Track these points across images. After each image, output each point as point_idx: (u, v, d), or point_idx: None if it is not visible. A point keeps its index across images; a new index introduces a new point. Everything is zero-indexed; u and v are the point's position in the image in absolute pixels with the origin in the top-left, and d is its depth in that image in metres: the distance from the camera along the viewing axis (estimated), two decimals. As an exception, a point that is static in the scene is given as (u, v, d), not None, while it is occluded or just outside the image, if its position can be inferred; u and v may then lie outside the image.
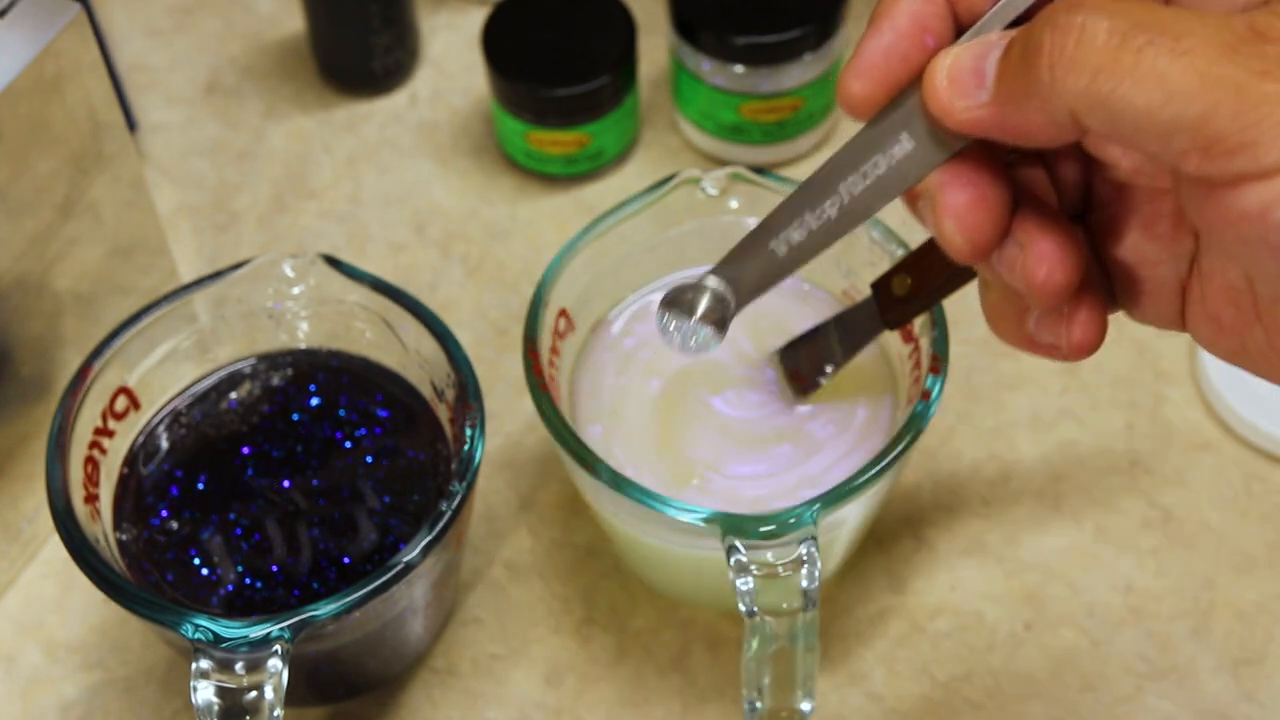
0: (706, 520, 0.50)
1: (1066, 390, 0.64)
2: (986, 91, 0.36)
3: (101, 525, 0.53)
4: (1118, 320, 0.67)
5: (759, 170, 0.57)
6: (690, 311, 0.42)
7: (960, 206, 0.37)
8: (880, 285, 0.53)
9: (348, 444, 0.56)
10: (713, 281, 0.42)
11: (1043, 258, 0.37)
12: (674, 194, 0.57)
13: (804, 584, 0.48)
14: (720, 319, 0.42)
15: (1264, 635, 0.58)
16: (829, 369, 0.56)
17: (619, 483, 0.51)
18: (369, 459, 0.55)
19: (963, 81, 0.36)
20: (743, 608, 0.49)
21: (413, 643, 0.57)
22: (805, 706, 0.50)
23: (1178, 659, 0.58)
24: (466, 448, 0.52)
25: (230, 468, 0.55)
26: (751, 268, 0.41)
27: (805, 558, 0.49)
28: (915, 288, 0.52)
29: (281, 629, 0.47)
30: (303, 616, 0.48)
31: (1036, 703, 0.57)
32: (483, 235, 0.70)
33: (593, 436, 0.57)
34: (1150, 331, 0.65)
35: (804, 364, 0.56)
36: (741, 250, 0.41)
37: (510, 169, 0.72)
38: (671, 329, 0.42)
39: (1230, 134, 0.32)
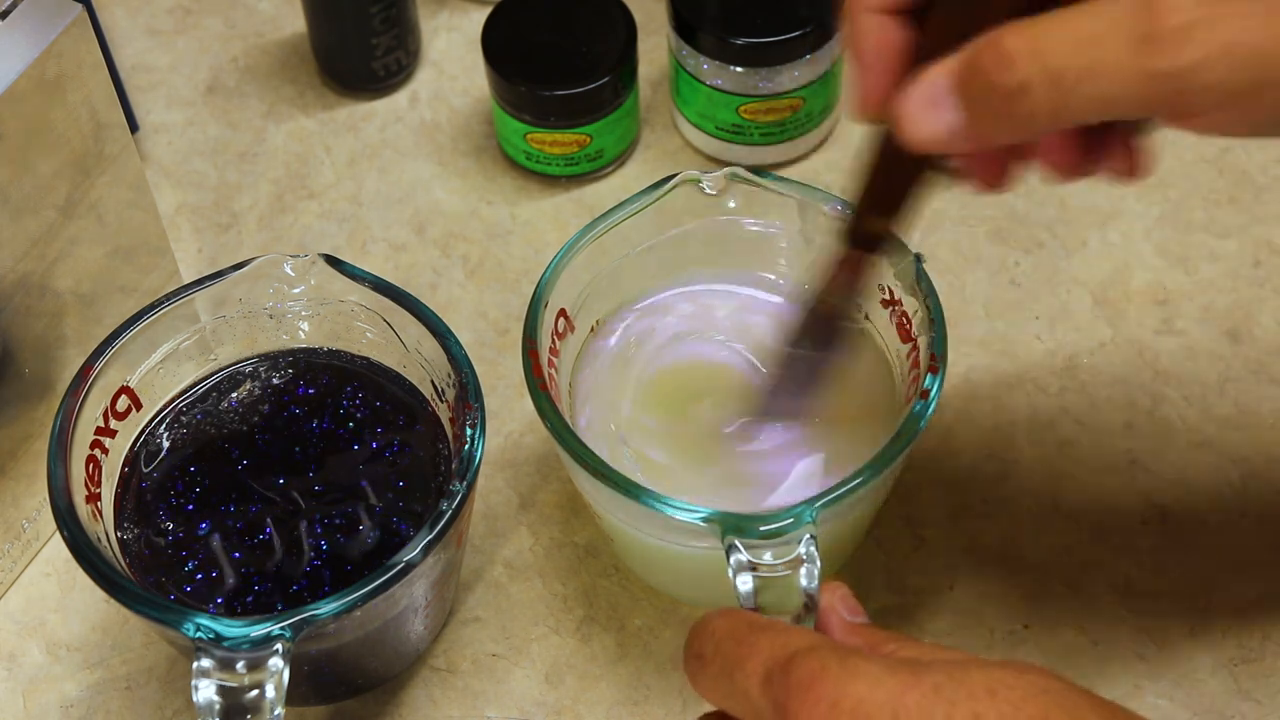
0: (706, 520, 0.50)
1: (1065, 390, 0.64)
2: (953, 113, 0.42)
3: (103, 524, 0.53)
4: (1116, 319, 0.67)
5: (758, 170, 0.57)
6: None
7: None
8: (852, 230, 0.51)
9: (349, 444, 0.56)
10: None
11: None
12: (673, 194, 0.57)
13: (804, 583, 0.48)
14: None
15: (1261, 634, 0.58)
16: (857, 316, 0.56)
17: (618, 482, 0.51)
18: (370, 458, 0.55)
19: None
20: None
21: (413, 642, 0.57)
22: (804, 705, 0.50)
23: (1176, 658, 0.58)
24: (467, 447, 0.52)
25: (231, 467, 0.55)
26: None
27: (805, 557, 0.49)
28: (885, 206, 0.50)
29: (282, 628, 0.47)
30: (304, 616, 0.48)
31: (1035, 701, 0.57)
32: (483, 235, 0.70)
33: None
34: (1149, 330, 0.65)
35: (817, 333, 0.55)
36: None
37: (510, 169, 0.72)
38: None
39: None
